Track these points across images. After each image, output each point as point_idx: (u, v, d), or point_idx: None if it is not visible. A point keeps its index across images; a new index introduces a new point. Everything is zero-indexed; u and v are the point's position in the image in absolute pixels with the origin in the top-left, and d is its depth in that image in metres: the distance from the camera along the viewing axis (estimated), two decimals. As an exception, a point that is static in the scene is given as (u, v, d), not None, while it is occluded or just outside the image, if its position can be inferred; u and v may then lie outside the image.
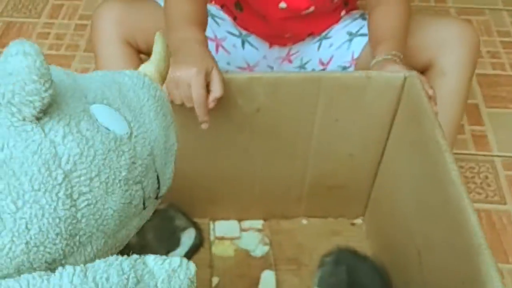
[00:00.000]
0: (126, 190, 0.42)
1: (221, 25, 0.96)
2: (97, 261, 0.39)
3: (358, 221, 0.96)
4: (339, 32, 0.95)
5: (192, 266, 0.42)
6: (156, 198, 0.48)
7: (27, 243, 0.36)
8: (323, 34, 0.97)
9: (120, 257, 0.40)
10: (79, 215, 0.38)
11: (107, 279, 0.38)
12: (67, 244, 0.38)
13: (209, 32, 0.90)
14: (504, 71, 1.31)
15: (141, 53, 0.94)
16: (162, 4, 0.86)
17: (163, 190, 0.49)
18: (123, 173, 0.41)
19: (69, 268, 0.37)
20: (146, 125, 0.45)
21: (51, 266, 0.38)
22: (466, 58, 0.83)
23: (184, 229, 0.87)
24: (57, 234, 0.37)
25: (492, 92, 1.25)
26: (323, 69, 0.97)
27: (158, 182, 0.47)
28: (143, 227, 0.84)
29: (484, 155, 1.12)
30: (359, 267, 0.75)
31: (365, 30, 0.91)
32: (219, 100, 0.71)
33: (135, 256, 0.41)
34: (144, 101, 0.46)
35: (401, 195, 0.78)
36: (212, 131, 0.79)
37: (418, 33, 0.85)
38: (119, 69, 0.89)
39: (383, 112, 0.78)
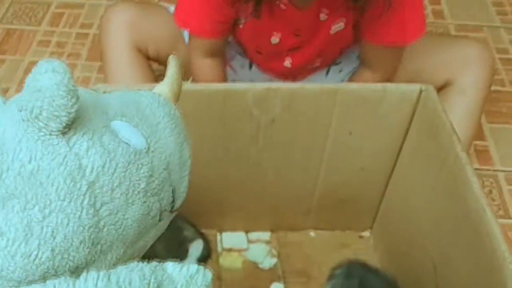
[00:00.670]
0: (145, 202, 0.44)
1: (232, 46, 0.97)
2: (119, 266, 0.41)
3: (366, 233, 0.96)
4: (349, 55, 0.96)
5: (208, 273, 0.44)
6: (171, 211, 0.49)
7: (52, 250, 0.38)
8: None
9: (141, 263, 0.41)
10: (101, 224, 0.40)
11: (130, 283, 0.39)
12: (89, 252, 0.40)
13: None
14: (503, 87, 1.33)
15: (150, 60, 0.94)
16: (171, 10, 0.86)
17: (178, 203, 0.50)
18: (142, 185, 0.43)
19: (93, 273, 0.39)
20: (162, 141, 0.47)
21: (74, 274, 0.40)
22: (484, 78, 0.86)
23: (192, 240, 0.87)
24: (80, 242, 0.39)
25: (493, 108, 1.27)
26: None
27: (173, 196, 0.49)
28: (152, 238, 0.83)
29: (487, 170, 1.13)
30: (371, 280, 0.74)
31: None
32: (233, 111, 0.70)
33: (154, 262, 0.42)
34: (160, 119, 0.48)
35: (414, 208, 0.78)
36: (225, 142, 0.79)
37: (439, 52, 0.87)
38: (128, 75, 0.90)
39: (397, 125, 0.78)
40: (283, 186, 0.87)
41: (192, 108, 0.74)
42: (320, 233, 0.96)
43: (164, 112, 0.49)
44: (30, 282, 0.38)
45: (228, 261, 0.91)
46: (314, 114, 0.76)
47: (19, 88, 1.25)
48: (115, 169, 0.41)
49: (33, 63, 1.33)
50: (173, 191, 0.48)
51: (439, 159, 0.70)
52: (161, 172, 0.46)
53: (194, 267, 0.43)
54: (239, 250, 0.92)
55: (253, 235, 0.95)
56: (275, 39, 0.88)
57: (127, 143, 0.43)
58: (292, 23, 0.86)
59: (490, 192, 1.08)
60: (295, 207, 0.91)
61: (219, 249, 0.92)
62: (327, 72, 0.98)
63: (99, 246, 0.41)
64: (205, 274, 0.43)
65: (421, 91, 0.74)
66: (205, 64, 0.90)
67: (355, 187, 0.88)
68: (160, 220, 0.47)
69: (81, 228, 0.39)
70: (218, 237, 0.94)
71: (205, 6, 0.84)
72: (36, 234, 0.37)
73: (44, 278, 0.39)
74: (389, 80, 0.90)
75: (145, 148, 0.44)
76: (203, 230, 0.88)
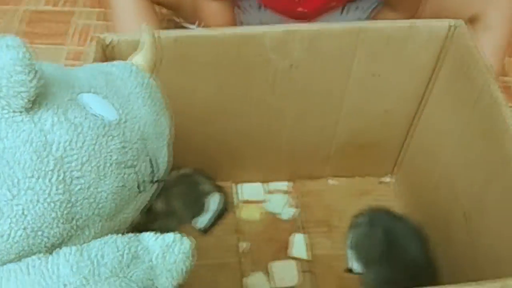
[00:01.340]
0: (119, 174, 0.43)
1: None
2: (93, 240, 0.42)
3: (386, 179, 0.93)
4: None
5: (186, 241, 0.44)
6: (152, 181, 0.48)
7: (25, 228, 0.38)
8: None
9: (115, 236, 0.42)
10: (73, 199, 0.40)
11: (102, 256, 0.40)
12: (64, 228, 0.40)
13: None
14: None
15: (158, 4, 0.89)
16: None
17: (159, 174, 0.49)
18: (114, 157, 0.43)
19: (65, 248, 0.40)
20: (134, 111, 0.46)
21: (50, 251, 0.40)
22: (511, 13, 0.81)
23: (208, 193, 0.84)
24: (53, 219, 0.39)
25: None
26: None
27: (152, 166, 0.48)
28: (168, 194, 0.80)
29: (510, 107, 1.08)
30: (395, 228, 0.72)
31: None
32: (249, 56, 0.65)
33: (130, 234, 0.44)
34: (131, 89, 0.48)
35: (443, 152, 0.74)
36: (240, 88, 0.74)
37: None
38: (135, 22, 0.84)
39: (424, 65, 0.73)
40: (301, 134, 0.83)
41: (204, 55, 0.69)
42: (339, 180, 0.93)
43: (137, 82, 0.48)
44: (6, 262, 0.39)
45: (246, 213, 0.88)
46: (335, 56, 0.71)
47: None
48: (83, 143, 0.41)
49: (28, 12, 1.27)
50: (151, 162, 0.47)
51: (471, 100, 0.65)
52: (135, 142, 0.45)
53: (170, 236, 0.44)
54: (257, 202, 0.90)
55: (271, 186, 0.92)
56: None
57: (96, 116, 0.42)
58: None
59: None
60: (313, 154, 0.88)
61: (236, 201, 0.89)
62: (342, 10, 0.92)
63: (74, 221, 0.41)
64: (183, 243, 0.44)
65: (450, 27, 0.69)
66: (213, 7, 0.84)
67: (376, 131, 0.83)
68: (140, 192, 0.46)
69: (52, 204, 0.39)
70: (235, 189, 0.91)
71: None
72: (6, 213, 0.37)
73: (20, 258, 0.39)
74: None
75: (115, 120, 0.44)
76: (219, 183, 0.86)
